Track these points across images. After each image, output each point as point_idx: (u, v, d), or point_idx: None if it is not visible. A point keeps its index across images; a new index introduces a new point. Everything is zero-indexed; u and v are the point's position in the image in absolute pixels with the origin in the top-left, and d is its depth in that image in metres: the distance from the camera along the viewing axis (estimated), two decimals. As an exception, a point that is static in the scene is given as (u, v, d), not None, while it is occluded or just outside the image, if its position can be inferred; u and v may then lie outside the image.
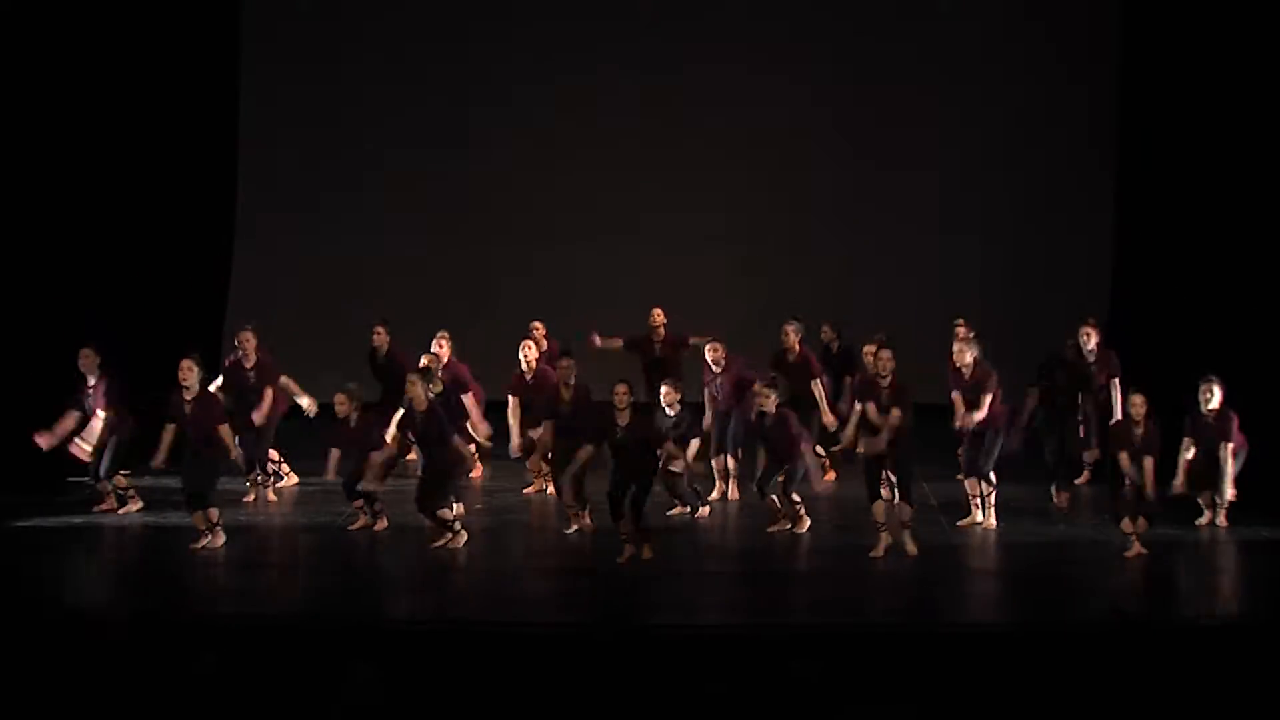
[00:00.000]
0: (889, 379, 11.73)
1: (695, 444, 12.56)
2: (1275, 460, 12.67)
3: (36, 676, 9.04)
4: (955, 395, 12.51)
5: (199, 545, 11.65)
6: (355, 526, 12.41)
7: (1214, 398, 12.11)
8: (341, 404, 12.35)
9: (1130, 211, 17.49)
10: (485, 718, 8.92)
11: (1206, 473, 12.17)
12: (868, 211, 18.27)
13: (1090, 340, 13.41)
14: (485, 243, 18.25)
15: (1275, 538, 12.20)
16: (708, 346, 13.47)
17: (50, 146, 15.53)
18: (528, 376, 13.49)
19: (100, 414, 12.85)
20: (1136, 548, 11.48)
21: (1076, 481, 13.69)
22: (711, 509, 13.02)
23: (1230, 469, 12.11)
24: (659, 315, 14.16)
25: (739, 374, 13.35)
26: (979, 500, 12.54)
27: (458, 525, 11.89)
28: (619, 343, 14.34)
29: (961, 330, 13.53)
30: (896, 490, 11.86)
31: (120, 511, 12.92)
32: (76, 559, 11.80)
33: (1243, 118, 16.11)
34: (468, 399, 13.63)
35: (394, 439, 12.45)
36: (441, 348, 13.87)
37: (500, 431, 13.68)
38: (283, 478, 13.86)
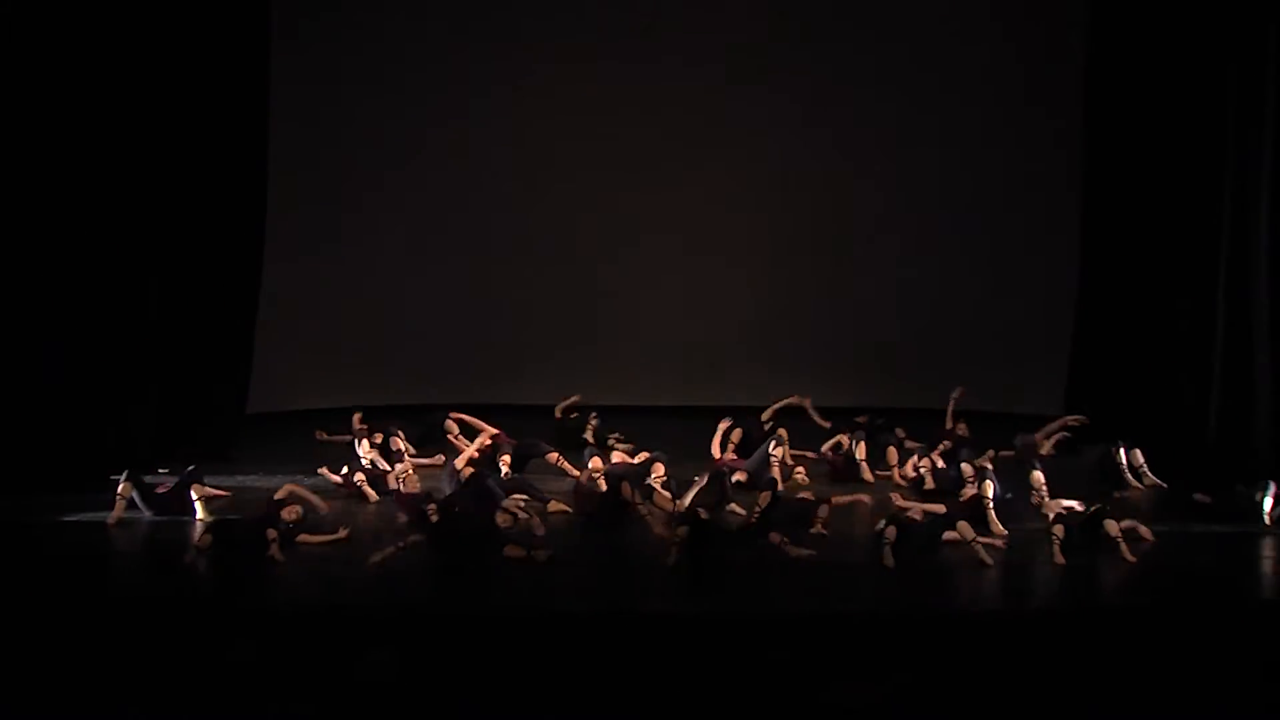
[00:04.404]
0: None
1: None
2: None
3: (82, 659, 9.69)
4: None
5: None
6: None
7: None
8: None
9: (1094, 223, 17.22)
10: (493, 700, 9.50)
11: None
12: (829, 216, 18.36)
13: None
14: (523, 267, 18.46)
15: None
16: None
17: (90, 176, 14.92)
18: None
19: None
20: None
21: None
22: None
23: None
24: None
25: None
26: None
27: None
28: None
29: None
30: None
31: None
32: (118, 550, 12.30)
33: (1208, 123, 15.66)
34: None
35: None
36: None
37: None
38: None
